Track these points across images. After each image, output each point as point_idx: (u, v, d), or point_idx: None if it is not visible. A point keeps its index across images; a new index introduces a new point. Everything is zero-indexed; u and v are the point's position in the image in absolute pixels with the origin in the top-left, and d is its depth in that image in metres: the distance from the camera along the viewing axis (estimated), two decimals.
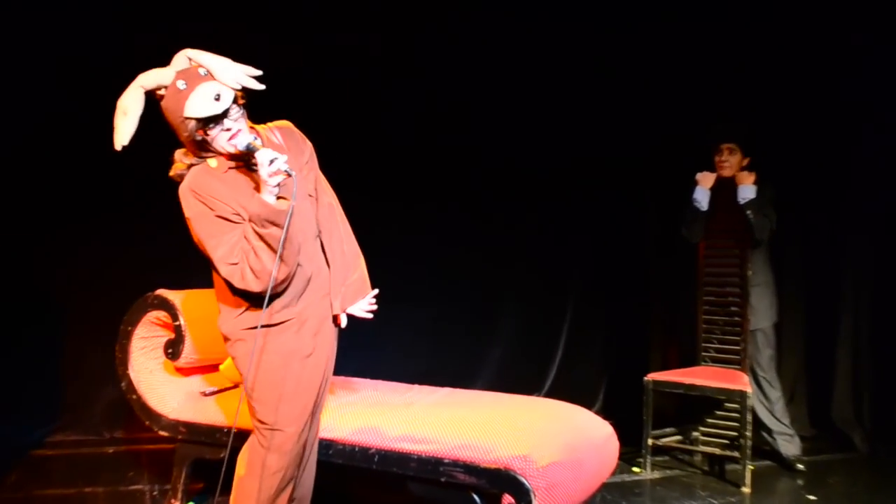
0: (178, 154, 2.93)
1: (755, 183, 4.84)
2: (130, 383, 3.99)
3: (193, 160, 2.89)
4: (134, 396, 4.00)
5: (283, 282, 2.86)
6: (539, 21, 5.92)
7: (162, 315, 3.93)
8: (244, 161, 2.87)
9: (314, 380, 3.01)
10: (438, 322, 5.81)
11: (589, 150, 6.04)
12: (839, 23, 5.37)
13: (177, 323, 3.88)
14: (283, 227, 2.75)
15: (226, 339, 3.02)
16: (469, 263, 5.88)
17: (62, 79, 5.08)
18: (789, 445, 4.99)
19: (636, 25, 5.87)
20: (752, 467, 4.64)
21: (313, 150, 3.10)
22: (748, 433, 4.58)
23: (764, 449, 5.07)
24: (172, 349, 3.91)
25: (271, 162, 2.74)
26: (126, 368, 3.99)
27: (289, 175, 2.76)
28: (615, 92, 5.97)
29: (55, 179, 5.14)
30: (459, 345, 5.90)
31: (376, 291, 3.19)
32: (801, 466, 4.94)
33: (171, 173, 2.93)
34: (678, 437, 5.13)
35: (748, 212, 4.81)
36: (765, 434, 5.02)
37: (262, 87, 2.82)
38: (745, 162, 4.98)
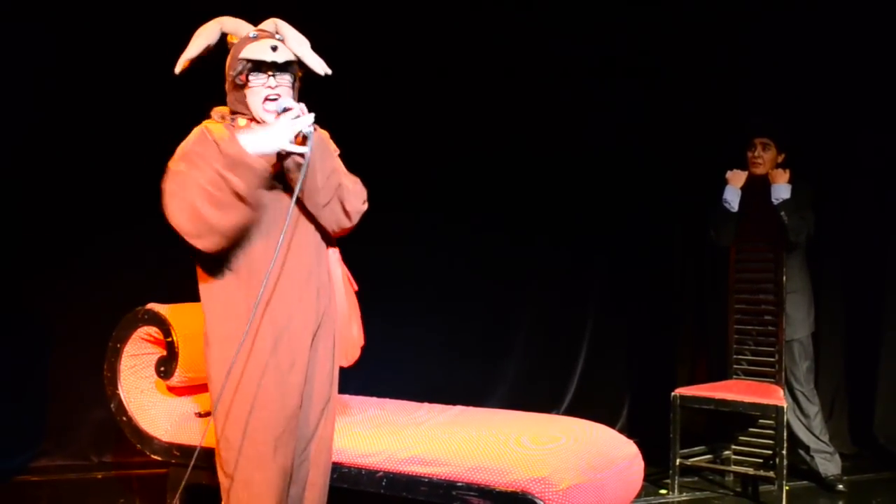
0: (215, 110, 2.98)
1: (790, 181, 4.84)
2: (120, 404, 4.00)
3: (226, 119, 2.94)
4: (124, 418, 4.01)
5: (218, 230, 2.74)
6: (556, 21, 5.95)
7: (153, 331, 3.95)
8: None
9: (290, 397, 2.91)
10: (449, 336, 5.81)
11: (606, 148, 6.06)
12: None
13: (169, 339, 3.89)
14: (245, 182, 2.70)
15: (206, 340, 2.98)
16: (482, 273, 5.89)
17: (52, 90, 5.13)
18: (829, 464, 4.97)
19: (656, 18, 5.90)
20: (788, 488, 4.62)
21: (337, 151, 3.09)
22: (784, 451, 4.55)
23: (801, 468, 5.06)
24: (165, 367, 3.92)
25: (296, 118, 2.78)
26: (115, 388, 4.00)
27: (305, 138, 2.77)
28: (634, 84, 6.00)
29: (38, 192, 5.18)
30: (472, 360, 5.90)
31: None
32: (841, 487, 4.91)
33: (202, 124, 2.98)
34: (708, 457, 5.11)
35: (782, 213, 4.79)
36: (802, 452, 5.00)
37: (321, 72, 2.93)
38: (781, 158, 4.97)
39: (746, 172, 4.99)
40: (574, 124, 6.03)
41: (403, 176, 5.61)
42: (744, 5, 5.66)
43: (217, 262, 2.87)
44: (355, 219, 2.98)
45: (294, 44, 2.91)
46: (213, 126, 2.88)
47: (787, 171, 4.87)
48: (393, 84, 5.69)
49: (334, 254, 3.07)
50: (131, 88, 5.10)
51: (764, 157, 4.94)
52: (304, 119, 2.79)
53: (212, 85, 3.02)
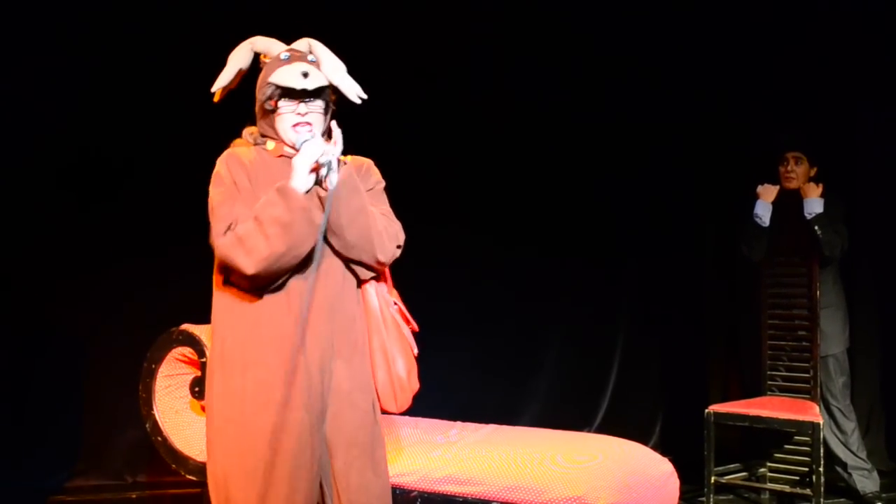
0: (246, 130, 2.93)
1: (822, 195, 4.81)
2: (155, 424, 4.01)
3: (256, 139, 2.89)
4: (159, 438, 4.02)
5: (266, 264, 2.65)
6: (584, 32, 5.96)
7: (187, 351, 3.95)
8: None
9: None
10: (480, 355, 5.79)
11: (636, 163, 6.04)
12: None
13: (203, 359, 3.88)
14: (286, 208, 2.64)
15: None
16: (511, 292, 5.88)
17: (93, 109, 5.19)
18: (866, 481, 4.91)
19: (686, 34, 5.90)
20: None
21: (379, 181, 3.01)
22: (821, 468, 4.49)
23: (838, 485, 5.00)
24: (199, 387, 3.91)
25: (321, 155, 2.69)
26: (150, 408, 4.01)
27: (319, 166, 2.69)
28: (668, 97, 5.98)
29: (76, 212, 5.23)
30: (503, 378, 5.89)
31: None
32: None
33: (231, 145, 2.93)
34: (744, 474, 5.07)
35: (816, 227, 4.76)
36: (839, 469, 4.95)
37: (357, 100, 2.84)
38: (813, 172, 4.94)
39: (777, 187, 4.97)
40: (604, 140, 6.02)
41: (431, 191, 5.62)
42: (776, 17, 5.64)
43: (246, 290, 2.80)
44: (385, 261, 2.84)
45: (328, 68, 2.82)
46: (240, 150, 2.85)
47: (820, 185, 4.84)
48: (420, 99, 5.70)
49: (372, 287, 2.93)
50: (170, 108, 5.15)
51: (796, 172, 4.91)
52: (317, 149, 2.69)
53: (250, 105, 3.01)
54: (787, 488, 4.84)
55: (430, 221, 5.44)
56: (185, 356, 3.99)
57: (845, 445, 4.91)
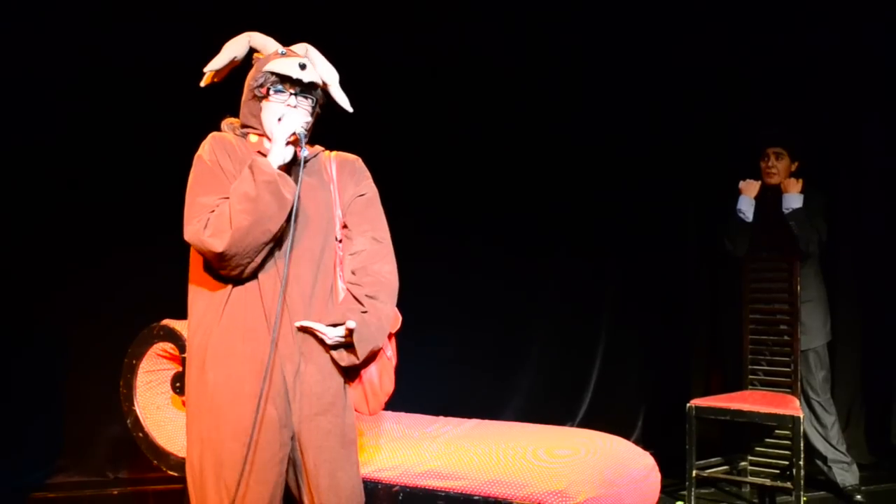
0: (225, 122, 2.93)
1: (802, 191, 4.83)
2: (136, 420, 4.00)
3: (236, 130, 2.89)
4: (140, 434, 4.00)
5: (232, 240, 2.65)
6: (568, 29, 5.96)
7: (169, 347, 3.94)
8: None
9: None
10: (463, 349, 5.80)
11: (620, 159, 6.05)
12: None
13: (184, 355, 3.88)
14: (252, 182, 2.66)
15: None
16: (494, 286, 5.88)
17: (73, 105, 5.16)
18: (846, 474, 4.95)
19: (672, 29, 5.91)
20: (805, 499, 4.58)
21: (371, 187, 3.03)
22: (801, 462, 4.50)
23: (818, 479, 5.04)
24: (180, 383, 3.91)
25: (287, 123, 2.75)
26: (131, 404, 4.00)
27: (297, 138, 2.75)
28: (651, 93, 6.00)
29: (56, 207, 5.20)
30: (486, 373, 5.90)
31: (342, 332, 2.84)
32: (859, 497, 4.88)
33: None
34: (725, 468, 5.09)
35: (792, 223, 4.78)
36: (819, 462, 4.99)
37: (347, 107, 2.90)
38: (794, 167, 4.96)
39: (759, 182, 4.98)
40: (587, 135, 6.03)
41: (414, 186, 5.61)
42: (755, 13, 5.66)
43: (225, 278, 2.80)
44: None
45: (323, 70, 2.87)
46: (222, 135, 2.85)
47: (800, 180, 4.86)
48: (405, 95, 5.69)
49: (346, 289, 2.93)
50: (150, 102, 5.13)
51: (777, 167, 4.93)
52: (296, 120, 2.74)
53: (235, 103, 3.00)
54: (767, 482, 4.87)
55: (413, 217, 5.43)
56: (166, 352, 3.98)
57: (825, 439, 4.94)
